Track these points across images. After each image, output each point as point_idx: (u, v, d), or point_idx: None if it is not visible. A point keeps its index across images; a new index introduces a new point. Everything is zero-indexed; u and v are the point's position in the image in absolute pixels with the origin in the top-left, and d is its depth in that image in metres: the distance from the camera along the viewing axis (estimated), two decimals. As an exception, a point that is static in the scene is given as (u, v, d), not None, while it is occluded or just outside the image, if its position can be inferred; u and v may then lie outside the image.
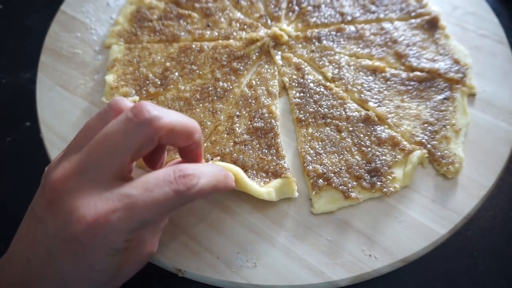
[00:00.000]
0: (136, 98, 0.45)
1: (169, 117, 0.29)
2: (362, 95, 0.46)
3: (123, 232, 0.27)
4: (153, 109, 0.29)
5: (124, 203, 0.27)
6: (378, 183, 0.40)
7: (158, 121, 0.28)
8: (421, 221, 0.39)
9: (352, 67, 0.48)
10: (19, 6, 0.70)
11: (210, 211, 0.40)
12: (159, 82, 0.47)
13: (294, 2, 0.54)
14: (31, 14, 0.68)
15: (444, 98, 0.45)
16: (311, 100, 0.45)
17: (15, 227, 0.33)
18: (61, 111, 0.47)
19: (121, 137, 0.28)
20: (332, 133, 0.43)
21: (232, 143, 0.42)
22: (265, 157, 0.41)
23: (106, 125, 0.29)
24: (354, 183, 0.40)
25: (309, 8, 0.53)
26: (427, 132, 0.43)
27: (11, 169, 0.51)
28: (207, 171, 0.31)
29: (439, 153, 0.42)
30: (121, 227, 0.27)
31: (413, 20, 0.52)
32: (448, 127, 0.43)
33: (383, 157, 0.41)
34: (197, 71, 0.48)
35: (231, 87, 0.46)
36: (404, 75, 0.47)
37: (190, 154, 0.34)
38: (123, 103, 0.31)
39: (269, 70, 0.48)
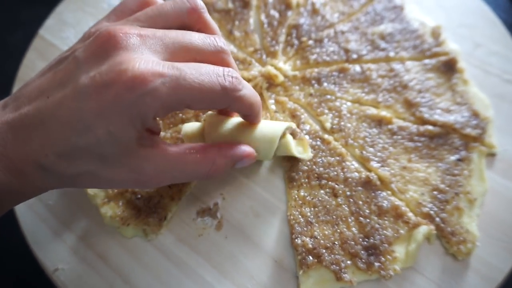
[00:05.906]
0: None
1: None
2: (364, 152, 0.40)
3: (160, 100, 0.27)
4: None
5: (174, 73, 0.27)
6: (376, 263, 0.35)
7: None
8: (423, 312, 0.34)
9: (354, 117, 0.42)
10: (3, 22, 0.65)
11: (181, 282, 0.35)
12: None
13: (294, 35, 0.48)
14: (14, 31, 0.64)
15: (459, 159, 0.39)
16: (305, 156, 0.40)
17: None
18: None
19: (202, 43, 0.30)
20: (326, 197, 0.38)
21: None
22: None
23: (178, 14, 0.32)
24: (348, 262, 0.35)
25: (310, 42, 0.47)
26: (437, 202, 0.37)
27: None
28: (250, 88, 0.32)
29: (449, 229, 0.36)
30: (161, 94, 0.26)
31: (427, 61, 0.45)
32: (461, 195, 0.38)
33: (384, 231, 0.36)
34: (180, 115, 0.43)
35: (216, 136, 0.41)
36: (413, 128, 0.41)
37: None
38: (200, 1, 0.33)
39: (260, 116, 0.43)
